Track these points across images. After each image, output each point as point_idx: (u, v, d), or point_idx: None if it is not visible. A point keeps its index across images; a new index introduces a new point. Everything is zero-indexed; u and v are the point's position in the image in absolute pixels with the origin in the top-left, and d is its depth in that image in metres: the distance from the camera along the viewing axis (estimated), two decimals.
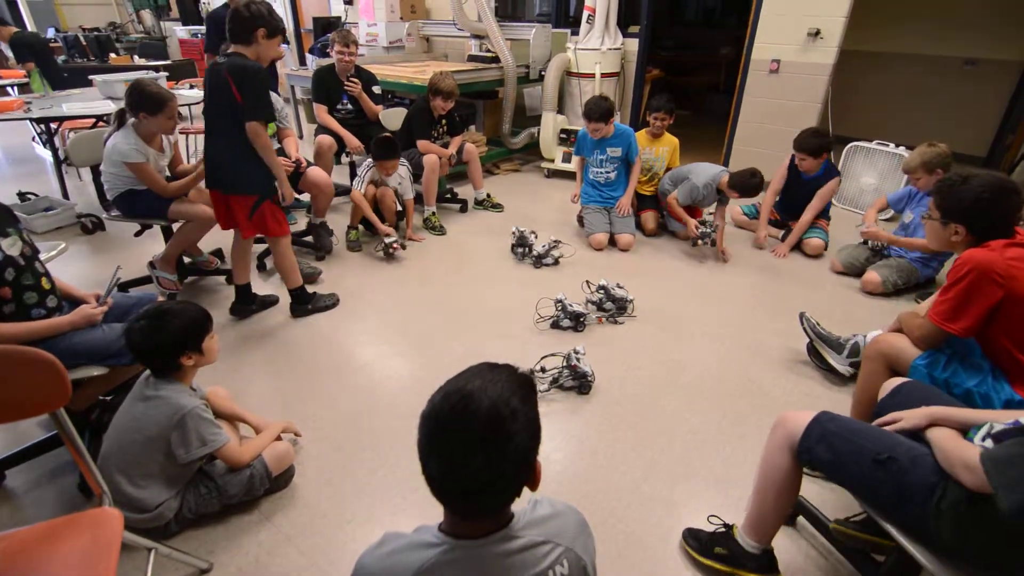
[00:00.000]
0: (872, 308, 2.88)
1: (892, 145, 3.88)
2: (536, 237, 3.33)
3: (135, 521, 1.55)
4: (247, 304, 2.68)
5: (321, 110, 3.74)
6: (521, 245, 3.32)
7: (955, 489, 1.07)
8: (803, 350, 2.43)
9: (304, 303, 2.70)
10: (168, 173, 2.73)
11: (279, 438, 1.82)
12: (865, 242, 3.16)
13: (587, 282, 2.93)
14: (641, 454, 1.90)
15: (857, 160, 4.10)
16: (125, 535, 1.25)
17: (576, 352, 2.18)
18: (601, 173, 3.56)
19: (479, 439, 0.73)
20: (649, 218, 3.73)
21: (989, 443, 1.11)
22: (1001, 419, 1.19)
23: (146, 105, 2.43)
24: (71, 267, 3.24)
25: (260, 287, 2.90)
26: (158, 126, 2.50)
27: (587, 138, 3.49)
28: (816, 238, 3.40)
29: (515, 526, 0.83)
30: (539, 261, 3.25)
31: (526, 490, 0.81)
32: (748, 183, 3.13)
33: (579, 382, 2.19)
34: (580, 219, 3.76)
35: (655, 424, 2.04)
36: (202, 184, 2.83)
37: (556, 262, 3.27)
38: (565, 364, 2.19)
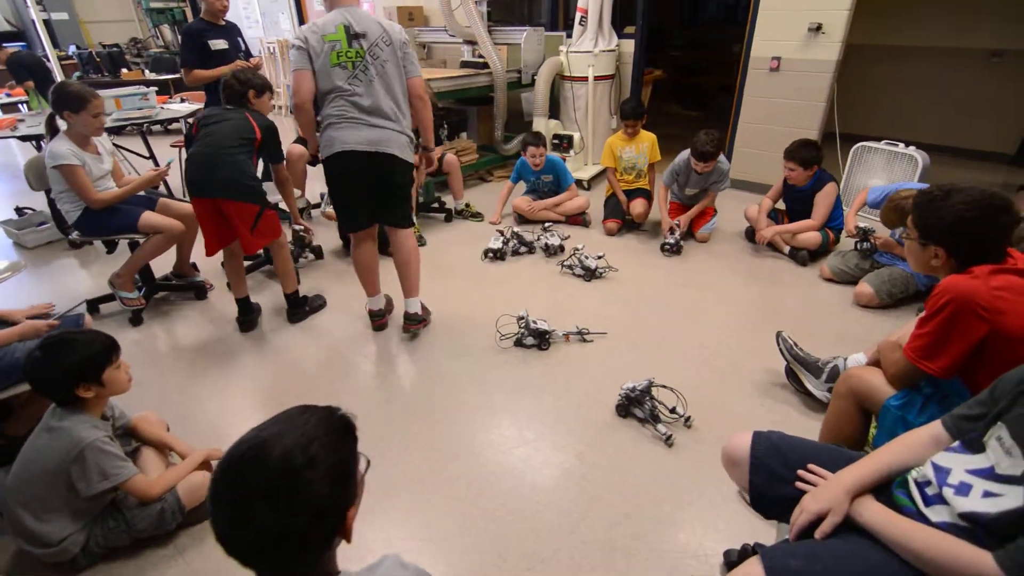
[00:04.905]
0: (867, 322, 2.65)
1: (901, 145, 3.62)
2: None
3: (39, 556, 1.50)
4: (248, 314, 2.69)
5: None
6: (524, 243, 3.47)
7: None
8: (782, 371, 2.24)
9: (301, 306, 2.76)
10: (112, 184, 2.70)
11: (208, 466, 1.75)
12: (855, 247, 2.93)
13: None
14: (584, 490, 1.75)
15: (864, 161, 3.84)
16: None
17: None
18: (542, 192, 4.03)
19: (265, 490, 0.67)
20: (638, 204, 3.68)
21: (943, 514, 0.94)
22: (901, 457, 1.05)
23: (69, 104, 2.43)
24: (57, 280, 3.27)
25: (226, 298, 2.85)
26: (84, 125, 2.49)
27: (527, 166, 3.86)
28: (814, 232, 3.22)
29: None
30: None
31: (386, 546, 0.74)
32: (697, 143, 3.23)
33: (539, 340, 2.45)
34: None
35: (606, 456, 1.89)
36: (172, 201, 2.84)
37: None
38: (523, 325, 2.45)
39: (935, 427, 1.05)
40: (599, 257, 3.15)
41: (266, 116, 2.57)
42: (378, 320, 2.66)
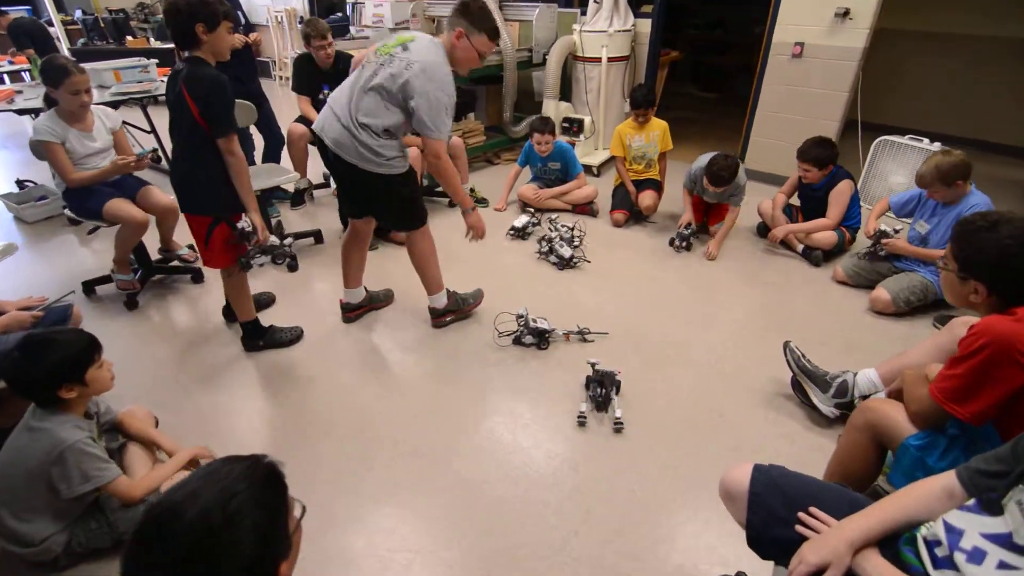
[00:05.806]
0: (881, 331, 2.56)
1: (926, 140, 3.45)
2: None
3: (20, 555, 1.49)
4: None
5: (304, 101, 3.61)
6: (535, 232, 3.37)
7: None
8: (788, 382, 2.16)
9: (256, 338, 2.40)
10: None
11: (196, 464, 1.72)
12: (872, 249, 2.81)
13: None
14: (577, 503, 1.71)
15: (886, 156, 3.68)
16: None
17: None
18: (548, 180, 3.88)
19: (182, 557, 0.63)
20: (647, 196, 3.56)
21: None
22: (911, 510, 0.97)
23: (50, 78, 2.38)
24: (55, 258, 3.24)
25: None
26: (64, 101, 2.44)
27: (535, 150, 3.70)
28: (830, 232, 3.09)
29: None
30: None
31: None
32: (713, 166, 3.01)
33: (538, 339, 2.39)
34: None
35: (599, 467, 1.84)
36: (155, 189, 2.75)
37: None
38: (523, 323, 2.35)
39: (949, 479, 0.98)
40: (575, 247, 3.10)
41: (213, 63, 1.92)
42: (346, 312, 2.60)
